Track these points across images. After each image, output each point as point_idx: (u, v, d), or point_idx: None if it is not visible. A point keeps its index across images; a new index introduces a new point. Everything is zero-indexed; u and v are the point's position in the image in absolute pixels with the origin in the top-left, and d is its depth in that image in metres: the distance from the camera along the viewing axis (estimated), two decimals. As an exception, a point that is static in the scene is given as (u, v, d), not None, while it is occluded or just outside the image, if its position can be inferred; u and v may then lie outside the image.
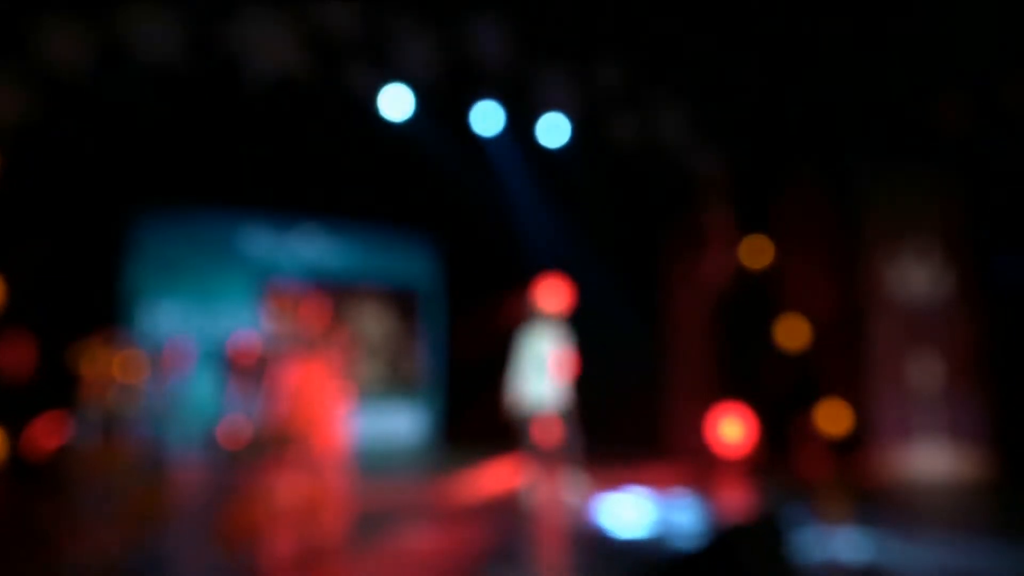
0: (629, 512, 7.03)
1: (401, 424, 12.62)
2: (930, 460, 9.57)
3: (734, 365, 10.80)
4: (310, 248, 12.20)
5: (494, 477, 9.36)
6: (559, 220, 11.85)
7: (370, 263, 12.66)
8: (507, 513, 7.25)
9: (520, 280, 12.27)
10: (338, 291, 12.10)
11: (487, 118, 10.01)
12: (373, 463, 10.62)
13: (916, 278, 9.87)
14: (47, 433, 7.75)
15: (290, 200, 11.60)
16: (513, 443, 11.10)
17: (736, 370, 10.76)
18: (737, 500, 8.18)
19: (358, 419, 11.47)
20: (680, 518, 6.84)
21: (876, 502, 8.15)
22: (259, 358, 8.24)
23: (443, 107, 9.89)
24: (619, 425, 11.69)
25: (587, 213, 11.57)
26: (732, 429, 10.37)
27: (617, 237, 11.63)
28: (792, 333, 10.43)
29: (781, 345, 10.51)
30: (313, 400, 7.14)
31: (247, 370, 8.20)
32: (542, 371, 7.63)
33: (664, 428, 11.37)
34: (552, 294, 10.86)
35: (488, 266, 12.57)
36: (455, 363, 12.96)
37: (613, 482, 8.42)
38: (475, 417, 12.39)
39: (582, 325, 8.63)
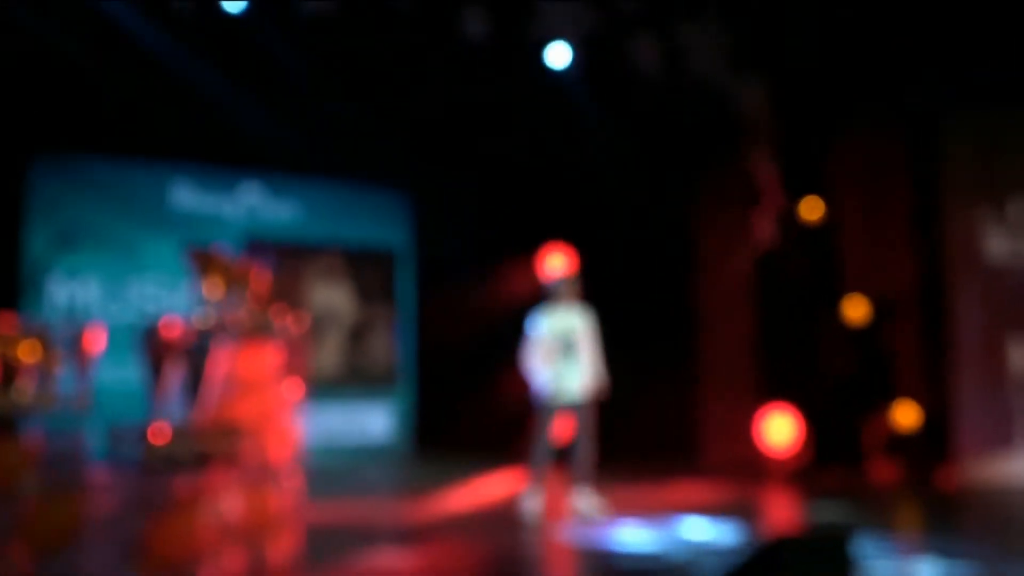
0: (650, 532, 7.05)
1: (369, 421, 12.65)
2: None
3: (783, 353, 10.81)
4: (255, 207, 12.17)
5: (482, 486, 9.39)
6: (562, 172, 11.83)
7: (330, 224, 12.64)
8: (499, 527, 7.27)
9: (514, 249, 12.29)
10: (292, 259, 12.09)
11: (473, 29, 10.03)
12: (335, 469, 10.65)
13: (1009, 243, 9.86)
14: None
15: (230, 148, 11.56)
16: (504, 445, 11.15)
17: (786, 359, 10.78)
18: (785, 516, 8.19)
19: (316, 415, 11.48)
20: (714, 536, 6.86)
21: (960, 517, 8.18)
22: (195, 341, 8.25)
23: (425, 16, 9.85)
24: (642, 429, 11.71)
25: (600, 164, 11.54)
26: (780, 431, 10.39)
27: (638, 195, 11.61)
28: (856, 313, 10.44)
29: (842, 328, 10.52)
30: (261, 392, 7.16)
31: (180, 356, 8.22)
32: (570, 356, 7.66)
33: (697, 431, 11.40)
34: (554, 266, 10.89)
35: (473, 231, 12.54)
36: (430, 348, 12.97)
37: (635, 501, 8.43)
38: (456, 414, 12.43)
39: (594, 305, 8.61)
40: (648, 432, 11.54)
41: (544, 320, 7.74)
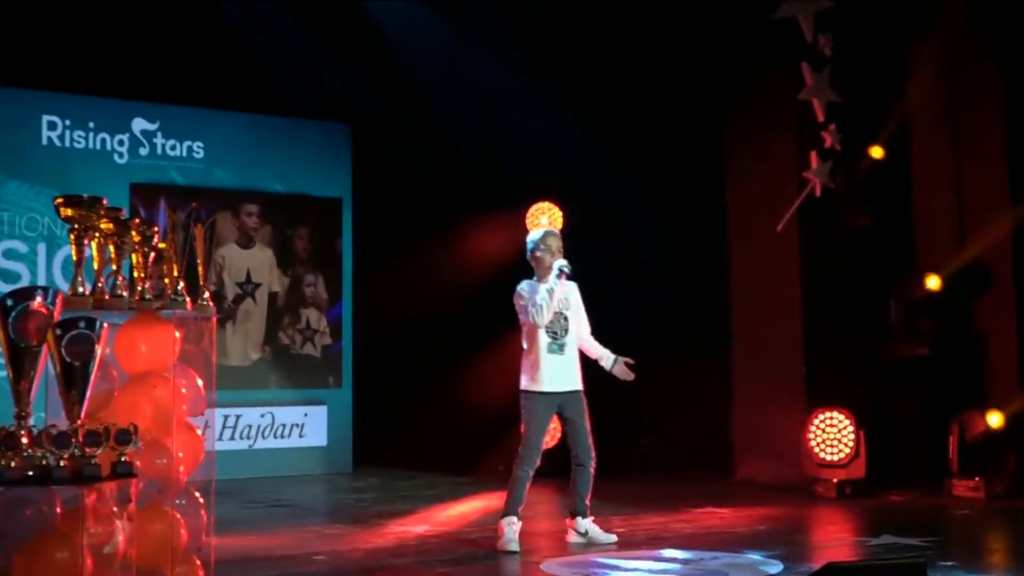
0: (666, 564, 7.05)
1: (297, 423, 12.56)
2: None
3: (837, 338, 10.77)
4: (148, 147, 12.05)
5: (443, 507, 9.55)
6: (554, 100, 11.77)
7: (245, 169, 12.56)
8: (467, 558, 7.31)
9: (486, 204, 12.22)
10: (196, 213, 11.97)
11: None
12: (254, 484, 10.75)
13: None
14: None
15: (118, 75, 11.47)
16: (468, 454, 11.10)
17: (841, 346, 10.74)
18: (839, 546, 8.13)
19: (229, 415, 11.42)
20: (748, 569, 6.87)
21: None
22: (71, 320, 8.11)
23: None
24: (660, 438, 11.72)
25: (600, 92, 11.47)
26: (833, 438, 10.34)
27: (650, 133, 11.55)
28: (933, 284, 10.40)
29: (915, 304, 10.48)
30: (156, 386, 7.00)
31: (52, 339, 8.07)
32: (563, 339, 7.62)
33: (729, 439, 11.41)
34: (538, 225, 10.81)
35: (432, 178, 12.46)
36: (372, 331, 12.91)
37: (651, 525, 8.45)
38: (405, 416, 12.42)
39: (594, 276, 8.58)
40: (669, 441, 11.56)
41: (534, 292, 7.64)
